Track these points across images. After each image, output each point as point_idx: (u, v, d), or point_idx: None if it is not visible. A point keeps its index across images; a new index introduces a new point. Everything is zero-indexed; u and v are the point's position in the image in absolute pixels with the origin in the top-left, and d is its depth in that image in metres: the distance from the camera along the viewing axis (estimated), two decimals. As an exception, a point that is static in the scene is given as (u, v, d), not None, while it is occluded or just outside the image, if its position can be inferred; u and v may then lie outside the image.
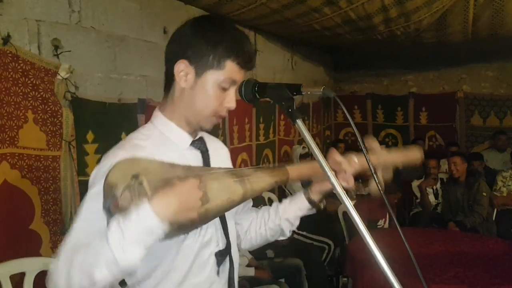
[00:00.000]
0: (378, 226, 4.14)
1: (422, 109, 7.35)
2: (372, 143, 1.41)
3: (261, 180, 1.13)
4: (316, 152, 0.93)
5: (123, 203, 0.90)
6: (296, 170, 1.24)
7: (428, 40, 5.23)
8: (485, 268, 2.82)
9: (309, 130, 6.64)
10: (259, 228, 1.38)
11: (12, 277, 2.05)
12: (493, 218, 4.57)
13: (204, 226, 1.16)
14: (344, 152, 4.98)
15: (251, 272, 3.25)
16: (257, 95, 1.01)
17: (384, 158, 1.42)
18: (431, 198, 4.93)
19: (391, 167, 1.44)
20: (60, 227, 2.48)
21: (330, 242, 4.24)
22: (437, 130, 7.22)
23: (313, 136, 7.02)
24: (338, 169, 1.24)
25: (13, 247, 2.20)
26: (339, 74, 8.08)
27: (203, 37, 1.13)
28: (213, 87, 1.12)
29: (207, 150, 1.23)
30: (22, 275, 2.10)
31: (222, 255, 1.20)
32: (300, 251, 3.87)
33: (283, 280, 3.50)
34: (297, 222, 1.37)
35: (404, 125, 7.56)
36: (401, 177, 5.15)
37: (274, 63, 5.37)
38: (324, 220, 4.21)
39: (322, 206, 1.39)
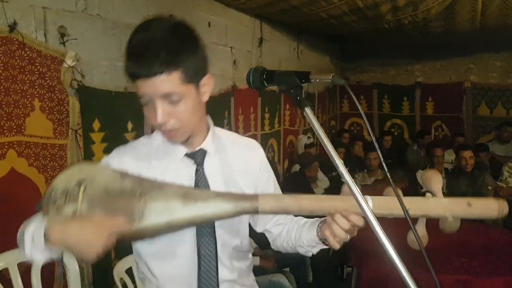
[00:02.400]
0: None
1: (429, 99, 7.32)
2: (432, 178, 1.12)
3: (217, 206, 1.07)
4: (325, 140, 0.91)
5: (51, 209, 1.02)
6: (270, 203, 1.08)
7: (436, 29, 5.17)
8: (490, 258, 2.82)
9: (314, 119, 6.67)
10: (282, 241, 1.35)
11: (20, 265, 2.07)
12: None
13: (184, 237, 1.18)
14: (349, 141, 4.98)
15: (256, 261, 3.26)
16: (265, 82, 1.00)
17: (426, 208, 1.10)
18: None
19: (457, 218, 1.10)
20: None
21: None
22: (443, 120, 7.19)
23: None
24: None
25: (20, 235, 2.21)
26: (345, 63, 8.04)
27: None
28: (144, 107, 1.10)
29: (202, 163, 1.19)
30: (30, 263, 2.11)
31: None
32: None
33: (287, 269, 3.52)
34: (315, 250, 1.26)
35: (410, 115, 7.53)
36: (408, 166, 5.14)
37: (279, 52, 5.34)
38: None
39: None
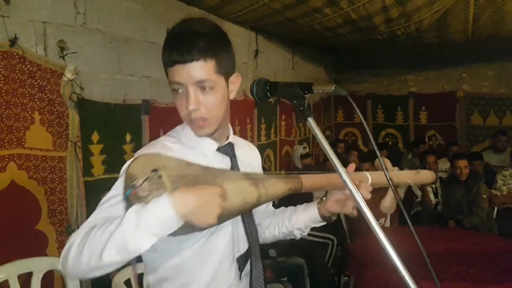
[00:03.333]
0: (379, 224, 4.15)
1: (422, 109, 7.38)
2: (385, 163, 1.44)
3: (276, 185, 1.14)
4: (328, 150, 0.94)
5: (142, 193, 0.93)
6: (310, 180, 1.23)
7: (428, 40, 5.25)
8: (487, 266, 2.84)
9: (309, 131, 6.68)
10: (273, 230, 1.45)
11: (20, 277, 2.07)
12: (494, 217, 4.60)
13: (229, 229, 1.19)
14: (344, 151, 5.03)
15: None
16: (268, 94, 1.03)
17: (398, 177, 1.49)
18: (431, 197, 4.95)
19: (403, 187, 1.52)
20: (66, 227, 2.50)
21: (333, 237, 4.26)
22: (437, 129, 7.25)
23: (313, 137, 7.04)
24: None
25: (20, 247, 2.22)
26: (339, 74, 8.11)
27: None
28: (173, 95, 1.13)
29: (235, 155, 1.24)
30: (29, 274, 2.11)
31: (244, 259, 1.23)
32: (303, 250, 3.89)
33: (285, 279, 3.52)
34: (308, 230, 1.43)
35: (404, 124, 7.59)
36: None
37: (275, 63, 5.40)
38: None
39: (333, 219, 1.40)
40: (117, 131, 2.84)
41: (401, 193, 1.63)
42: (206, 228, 1.02)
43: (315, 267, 3.78)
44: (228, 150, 1.23)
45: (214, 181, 1.02)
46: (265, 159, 5.07)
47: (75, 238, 0.98)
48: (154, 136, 3.03)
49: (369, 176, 1.33)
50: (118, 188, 1.05)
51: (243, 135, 4.47)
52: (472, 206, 4.33)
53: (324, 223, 1.40)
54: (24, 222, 2.29)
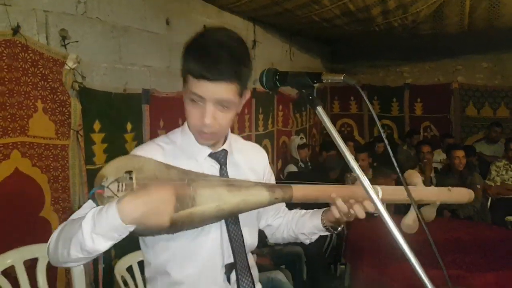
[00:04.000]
0: (375, 215, 4.21)
1: (417, 100, 7.44)
2: (413, 176, 1.37)
3: (258, 194, 1.14)
4: (337, 139, 0.96)
5: (108, 194, 0.99)
6: (302, 191, 1.21)
7: (425, 31, 5.28)
8: (482, 254, 2.91)
9: (307, 121, 6.71)
10: (282, 232, 1.47)
11: (25, 263, 2.10)
12: (488, 207, 4.67)
13: (214, 235, 1.21)
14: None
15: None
16: (277, 83, 1.06)
17: (421, 194, 1.33)
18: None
19: (434, 205, 1.37)
20: (68, 214, 2.52)
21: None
22: (432, 120, 7.31)
23: (310, 127, 7.09)
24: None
25: (24, 234, 2.24)
26: (335, 65, 8.13)
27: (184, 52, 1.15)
28: (187, 102, 1.14)
29: (225, 163, 1.25)
30: (34, 260, 2.15)
31: (230, 268, 1.25)
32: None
33: (283, 266, 3.57)
34: (315, 236, 1.41)
35: (399, 116, 7.64)
36: (398, 166, 5.21)
37: (272, 54, 5.41)
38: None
39: (338, 229, 1.36)
40: (118, 120, 2.86)
41: (432, 212, 1.44)
42: (168, 232, 1.05)
43: (312, 255, 3.83)
44: (220, 156, 1.25)
45: (189, 185, 1.05)
46: (262, 149, 5.11)
47: (57, 231, 1.07)
48: (154, 125, 3.08)
49: (379, 191, 1.23)
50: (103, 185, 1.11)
51: (241, 125, 4.50)
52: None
53: (328, 233, 1.38)
54: (28, 209, 2.31)
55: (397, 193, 1.27)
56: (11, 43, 2.17)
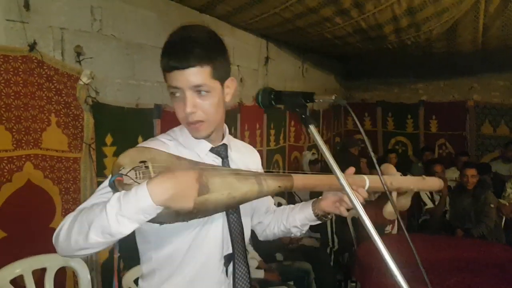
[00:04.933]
0: (386, 232, 4.19)
1: (433, 117, 7.40)
2: (389, 169, 1.49)
3: (264, 183, 1.18)
4: (328, 156, 1.00)
5: (127, 181, 1.00)
6: (301, 179, 1.26)
7: (438, 49, 5.28)
8: (491, 275, 2.86)
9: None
10: (273, 228, 1.52)
11: (34, 272, 2.15)
12: (502, 226, 4.60)
13: (215, 227, 1.24)
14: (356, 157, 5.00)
15: (260, 274, 3.32)
16: (273, 102, 1.10)
17: (400, 182, 1.47)
18: (429, 203, 4.96)
19: (410, 194, 1.51)
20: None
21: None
22: (447, 138, 7.25)
23: (324, 143, 7.13)
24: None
25: (34, 244, 2.29)
26: (350, 82, 8.15)
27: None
28: (171, 100, 1.19)
29: (227, 157, 1.30)
30: (43, 270, 2.20)
31: (228, 259, 1.28)
32: (309, 255, 3.93)
33: (292, 282, 3.57)
34: (306, 227, 1.48)
35: (414, 133, 7.60)
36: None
37: (285, 70, 5.46)
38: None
39: (329, 218, 1.45)
40: (130, 134, 2.93)
41: (407, 201, 1.60)
42: (187, 215, 1.06)
43: (321, 272, 3.81)
44: (221, 151, 1.30)
45: (201, 174, 1.07)
46: (273, 164, 5.13)
47: (67, 219, 1.06)
48: (165, 140, 3.14)
49: (367, 180, 1.35)
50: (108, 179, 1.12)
51: (252, 140, 4.54)
52: (479, 215, 4.33)
53: (319, 222, 1.45)
54: (39, 220, 2.37)
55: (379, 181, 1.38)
56: (27, 59, 2.26)
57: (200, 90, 1.15)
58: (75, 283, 2.44)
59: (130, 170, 1.01)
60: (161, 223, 1.06)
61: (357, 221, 3.91)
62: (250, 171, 1.23)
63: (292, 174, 1.25)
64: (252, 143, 4.57)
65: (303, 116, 1.03)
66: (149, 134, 3.07)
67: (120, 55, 2.90)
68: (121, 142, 2.84)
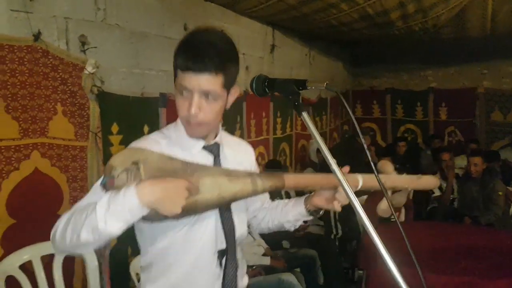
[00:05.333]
0: (392, 220, 4.19)
1: (442, 105, 7.34)
2: (386, 166, 1.50)
3: (254, 182, 1.20)
4: (321, 144, 1.01)
5: (118, 183, 1.04)
6: (293, 179, 1.29)
7: (446, 35, 5.23)
8: (497, 261, 2.85)
9: (327, 124, 6.71)
10: (267, 222, 1.55)
11: (42, 258, 2.20)
12: (510, 214, 4.57)
13: (209, 222, 1.27)
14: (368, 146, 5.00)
15: (266, 261, 3.35)
16: (266, 89, 1.11)
17: (394, 181, 1.48)
18: (437, 192, 4.95)
19: (405, 191, 1.52)
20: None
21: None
22: (456, 125, 7.20)
23: (331, 131, 7.08)
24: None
25: (43, 231, 2.34)
26: (358, 69, 8.10)
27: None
28: (176, 96, 1.23)
29: (219, 155, 1.33)
30: (51, 256, 2.25)
31: (222, 254, 1.31)
32: (315, 242, 3.96)
33: (298, 270, 3.60)
34: (299, 223, 1.51)
35: (423, 120, 7.55)
36: (421, 171, 5.17)
37: (291, 58, 5.44)
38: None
39: (320, 214, 1.47)
40: (136, 123, 2.96)
41: (403, 198, 1.59)
42: (174, 218, 1.09)
43: (327, 260, 3.84)
44: (213, 149, 1.32)
45: (192, 175, 1.11)
46: (280, 153, 5.14)
47: (62, 219, 1.11)
48: (170, 128, 3.16)
49: (360, 179, 1.35)
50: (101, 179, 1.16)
51: (258, 129, 4.55)
52: (488, 203, 4.31)
53: (312, 217, 1.48)
54: (47, 207, 2.41)
55: (375, 180, 1.36)
56: (32, 48, 2.29)
57: (208, 95, 1.18)
58: (83, 268, 2.49)
59: (121, 172, 1.05)
60: (151, 221, 1.10)
61: (363, 208, 3.91)
62: (241, 171, 1.25)
63: (284, 174, 1.27)
64: (259, 131, 4.60)
65: (296, 103, 1.05)
66: (155, 123, 3.10)
67: (124, 44, 2.92)
68: (127, 131, 2.87)
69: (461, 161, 5.57)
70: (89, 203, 1.10)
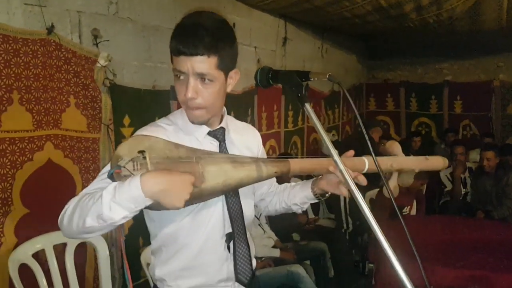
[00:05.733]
0: (404, 213, 4.18)
1: (457, 98, 7.25)
2: (394, 146, 1.52)
3: (260, 169, 1.22)
4: (324, 136, 1.03)
5: (125, 173, 1.05)
6: (298, 163, 1.30)
7: (461, 28, 5.15)
8: (508, 255, 2.84)
9: (340, 118, 6.68)
10: (274, 205, 1.58)
11: (55, 247, 2.26)
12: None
13: (215, 207, 1.29)
14: (378, 140, 5.03)
15: (276, 253, 3.38)
16: (270, 81, 1.12)
17: (402, 163, 1.50)
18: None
19: (412, 172, 1.55)
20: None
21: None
22: (471, 119, 7.11)
23: (344, 124, 7.05)
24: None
25: (55, 220, 2.39)
26: (372, 61, 8.04)
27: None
28: (174, 82, 1.24)
29: (224, 140, 1.34)
30: (64, 245, 2.30)
31: (229, 237, 1.33)
32: (325, 235, 3.97)
33: (308, 262, 3.62)
34: (306, 205, 1.54)
35: (438, 113, 7.48)
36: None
37: (303, 51, 5.42)
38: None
39: (326, 197, 1.49)
40: (147, 115, 2.98)
41: (410, 178, 1.63)
42: (176, 209, 1.10)
43: (337, 253, 3.85)
44: (218, 134, 1.33)
45: (198, 162, 1.12)
46: (291, 146, 5.14)
47: (70, 203, 1.14)
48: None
49: (366, 162, 1.38)
50: (108, 166, 1.17)
51: (269, 122, 4.56)
52: (501, 197, 4.28)
53: (318, 200, 1.50)
54: (60, 197, 2.42)
55: (382, 163, 1.43)
56: (45, 42, 2.33)
57: (204, 78, 1.19)
58: (95, 257, 2.55)
59: (128, 162, 1.06)
60: (157, 209, 1.12)
61: (374, 202, 3.92)
62: (247, 157, 1.26)
63: (288, 159, 1.29)
64: (270, 125, 4.60)
65: (299, 95, 1.06)
66: (165, 115, 3.12)
67: (136, 38, 2.94)
68: (138, 123, 2.88)
69: (475, 155, 5.51)
70: (96, 189, 1.12)
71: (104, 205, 1.01)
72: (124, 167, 1.05)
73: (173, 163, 1.10)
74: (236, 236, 1.34)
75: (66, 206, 1.15)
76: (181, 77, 1.20)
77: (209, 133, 1.32)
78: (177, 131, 1.28)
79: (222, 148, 1.33)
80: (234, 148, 1.36)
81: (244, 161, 1.21)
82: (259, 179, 1.24)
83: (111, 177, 1.08)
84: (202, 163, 1.13)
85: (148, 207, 1.06)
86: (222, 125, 1.34)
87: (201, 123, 1.28)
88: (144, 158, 1.06)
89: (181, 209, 1.18)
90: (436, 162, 1.65)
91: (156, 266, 1.36)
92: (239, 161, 1.20)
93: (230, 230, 1.33)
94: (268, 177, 1.26)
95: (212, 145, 1.32)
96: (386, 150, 1.63)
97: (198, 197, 1.14)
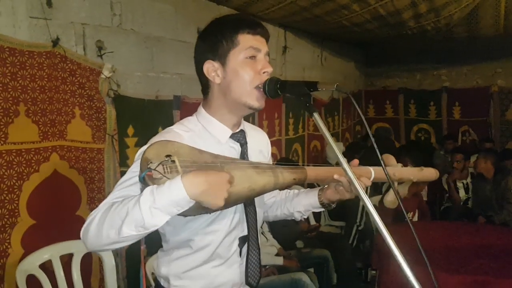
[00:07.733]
0: (406, 220, 4.18)
1: (455, 104, 7.28)
2: (389, 159, 1.59)
3: (281, 176, 1.23)
4: (332, 144, 1.05)
5: (156, 176, 1.04)
6: (313, 171, 1.33)
7: (459, 34, 5.20)
8: (510, 260, 2.85)
9: (339, 125, 6.71)
10: (275, 210, 1.58)
11: (61, 257, 2.27)
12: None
13: (232, 213, 1.30)
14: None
15: (279, 261, 3.38)
16: (279, 91, 1.15)
17: (401, 173, 1.57)
18: (462, 192, 4.94)
19: (407, 183, 1.60)
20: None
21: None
22: (470, 125, 7.13)
23: (343, 131, 7.07)
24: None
25: (62, 231, 2.41)
26: (371, 68, 8.08)
27: (209, 32, 1.29)
28: (241, 64, 1.23)
29: (246, 143, 1.35)
30: (70, 256, 2.31)
31: (243, 241, 1.34)
32: (328, 242, 3.98)
33: (311, 270, 3.62)
34: (308, 213, 1.55)
35: (437, 120, 7.50)
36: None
37: (303, 59, 5.46)
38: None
39: (332, 206, 1.50)
40: (151, 125, 3.01)
41: (404, 189, 1.69)
42: (214, 211, 1.10)
43: (340, 260, 3.86)
44: (240, 137, 1.34)
45: (223, 168, 1.12)
46: (292, 153, 5.16)
47: (96, 214, 1.10)
48: (184, 130, 3.22)
49: (372, 171, 1.41)
50: (133, 171, 1.17)
51: (271, 130, 4.58)
52: (501, 201, 4.30)
53: (323, 209, 1.51)
54: (66, 208, 2.48)
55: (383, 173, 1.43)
56: (51, 54, 2.36)
57: (268, 58, 1.29)
58: (101, 268, 2.56)
59: (158, 165, 1.04)
60: (185, 215, 1.09)
61: (376, 209, 3.92)
62: (267, 164, 1.28)
63: (304, 167, 1.31)
64: (271, 132, 4.62)
65: (308, 104, 1.08)
66: (169, 125, 3.07)
67: (139, 49, 2.98)
68: (142, 133, 2.93)
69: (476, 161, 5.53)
70: (120, 197, 1.10)
71: (144, 212, 0.99)
72: (155, 170, 1.04)
73: (201, 167, 1.09)
74: (251, 240, 1.35)
75: (89, 218, 1.11)
76: (257, 56, 1.25)
77: (231, 136, 1.32)
78: (194, 137, 1.26)
79: (244, 150, 1.33)
80: (251, 152, 1.37)
81: (265, 168, 1.21)
82: (279, 186, 1.25)
83: (143, 180, 1.05)
84: (227, 168, 1.12)
85: (182, 214, 1.04)
86: (242, 127, 1.36)
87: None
88: (173, 162, 1.05)
89: (197, 217, 1.20)
90: (429, 173, 1.75)
91: (163, 263, 1.35)
92: (261, 167, 1.20)
93: (244, 233, 1.34)
94: (288, 184, 1.26)
95: (232, 148, 1.32)
96: (385, 162, 1.72)
97: (225, 202, 1.11)
